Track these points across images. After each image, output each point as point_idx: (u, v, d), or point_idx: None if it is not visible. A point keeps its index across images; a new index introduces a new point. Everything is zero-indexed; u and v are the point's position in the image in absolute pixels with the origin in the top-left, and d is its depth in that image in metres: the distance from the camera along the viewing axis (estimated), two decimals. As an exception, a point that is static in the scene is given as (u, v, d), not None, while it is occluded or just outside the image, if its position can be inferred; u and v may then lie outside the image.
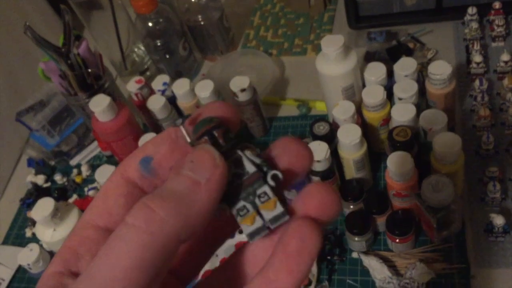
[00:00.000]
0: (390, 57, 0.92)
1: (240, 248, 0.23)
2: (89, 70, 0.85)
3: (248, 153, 0.22)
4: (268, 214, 0.22)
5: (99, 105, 0.77)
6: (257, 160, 0.22)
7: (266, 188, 0.22)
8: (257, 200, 0.22)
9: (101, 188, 0.24)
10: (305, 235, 0.20)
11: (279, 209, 0.22)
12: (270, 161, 0.23)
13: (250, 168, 0.22)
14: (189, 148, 0.23)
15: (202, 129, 0.22)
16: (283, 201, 0.22)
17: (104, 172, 0.78)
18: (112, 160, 0.91)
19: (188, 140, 0.23)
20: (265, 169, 0.22)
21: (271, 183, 0.22)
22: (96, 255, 0.19)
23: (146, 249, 0.19)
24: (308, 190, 0.22)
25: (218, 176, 0.21)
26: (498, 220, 0.67)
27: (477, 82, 0.81)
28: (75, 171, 0.97)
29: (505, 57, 0.83)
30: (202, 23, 1.02)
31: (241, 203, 0.22)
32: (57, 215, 0.68)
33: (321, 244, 0.21)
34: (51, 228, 0.69)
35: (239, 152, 0.22)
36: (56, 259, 0.22)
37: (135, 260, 0.18)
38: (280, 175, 0.22)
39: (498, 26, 0.89)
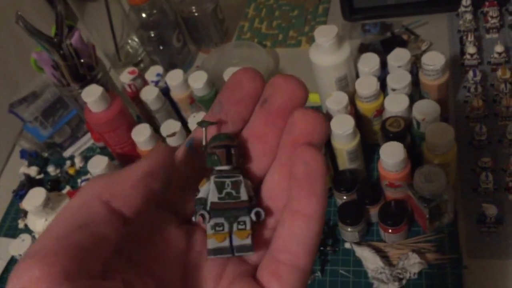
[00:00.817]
0: (384, 48, 0.92)
1: (258, 191, 0.26)
2: (82, 61, 0.85)
3: (248, 182, 0.25)
4: (237, 241, 0.24)
5: (92, 95, 0.76)
6: (251, 193, 0.25)
7: (247, 219, 0.24)
8: (235, 225, 0.24)
9: None
10: (307, 158, 0.22)
11: (249, 241, 0.24)
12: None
13: (243, 195, 0.24)
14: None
15: (222, 141, 0.24)
16: (253, 237, 0.24)
17: (96, 163, 0.78)
18: (105, 152, 0.90)
19: (204, 143, 0.25)
20: (253, 202, 0.24)
21: (253, 217, 0.24)
22: None
23: (71, 204, 0.22)
24: (292, 120, 0.23)
25: (155, 153, 0.24)
26: (491, 211, 0.67)
27: (470, 73, 0.81)
28: (68, 162, 0.96)
29: (499, 48, 0.83)
30: (196, 14, 1.02)
31: (221, 220, 0.24)
32: (48, 205, 0.67)
33: (323, 160, 0.23)
34: (42, 218, 0.68)
35: (241, 177, 0.24)
36: None
37: (61, 214, 0.22)
38: (263, 215, 0.24)
39: (492, 17, 0.89)
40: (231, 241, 0.24)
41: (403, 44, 0.93)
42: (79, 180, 0.93)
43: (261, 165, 0.25)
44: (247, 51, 1.03)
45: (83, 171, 0.94)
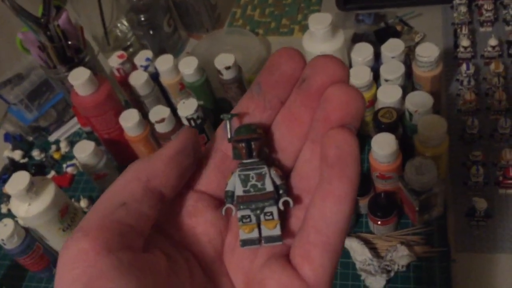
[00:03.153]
0: (377, 39, 0.91)
1: (289, 174, 0.26)
2: (69, 43, 0.83)
3: (273, 172, 0.25)
4: (266, 232, 0.24)
5: (79, 78, 0.75)
6: (278, 181, 0.25)
7: (274, 209, 0.24)
8: (262, 216, 0.24)
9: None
10: (339, 142, 0.22)
11: (277, 232, 0.24)
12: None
13: (269, 185, 0.24)
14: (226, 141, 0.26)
15: (242, 135, 0.24)
16: (283, 226, 0.24)
17: (83, 148, 0.76)
18: (92, 137, 0.89)
19: (229, 136, 0.25)
20: (281, 191, 0.24)
21: (281, 207, 0.24)
22: None
23: (114, 185, 0.25)
24: (326, 96, 0.23)
25: (183, 133, 0.26)
26: (481, 204, 0.67)
27: (463, 67, 0.81)
28: (53, 147, 0.94)
29: (492, 42, 0.83)
30: (188, -1, 1.00)
31: (247, 212, 0.24)
32: (32, 190, 0.66)
33: (357, 143, 0.22)
34: (26, 203, 0.67)
35: (266, 168, 0.25)
36: None
37: (105, 194, 0.24)
38: (291, 203, 0.24)
39: (486, 11, 0.88)
40: (260, 232, 0.24)
41: (397, 35, 0.92)
42: (64, 165, 0.91)
43: (295, 147, 0.25)
44: (239, 38, 1.02)
45: (68, 156, 0.93)
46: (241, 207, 0.24)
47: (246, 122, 0.26)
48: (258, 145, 0.24)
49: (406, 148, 0.70)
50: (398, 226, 0.71)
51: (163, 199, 0.25)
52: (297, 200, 0.25)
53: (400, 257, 0.67)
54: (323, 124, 0.23)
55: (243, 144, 0.24)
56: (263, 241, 0.24)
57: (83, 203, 0.84)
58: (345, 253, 0.70)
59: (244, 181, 0.25)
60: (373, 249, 0.69)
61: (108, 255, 0.21)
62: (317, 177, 0.23)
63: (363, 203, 0.71)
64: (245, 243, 0.24)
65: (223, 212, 0.25)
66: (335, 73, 0.23)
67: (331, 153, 0.22)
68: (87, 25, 1.00)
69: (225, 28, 1.07)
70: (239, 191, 0.25)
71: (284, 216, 0.25)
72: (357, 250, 0.69)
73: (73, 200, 0.85)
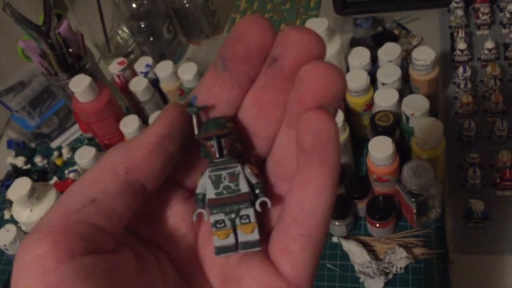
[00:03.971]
0: (375, 43, 0.92)
1: (266, 160, 0.23)
2: (70, 50, 0.84)
3: (247, 171, 0.22)
4: (243, 237, 0.22)
5: (80, 85, 0.76)
6: (253, 180, 0.22)
7: (250, 211, 0.22)
8: (237, 220, 0.22)
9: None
10: (316, 127, 0.19)
11: (255, 236, 0.22)
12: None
13: (243, 186, 0.22)
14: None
15: (211, 131, 0.21)
16: (261, 230, 0.22)
17: (84, 154, 0.77)
18: (93, 143, 0.90)
19: (196, 132, 0.22)
20: (257, 191, 0.22)
21: (258, 209, 0.22)
22: None
23: (84, 177, 0.22)
24: (300, 76, 0.20)
25: (164, 113, 0.22)
26: (478, 206, 0.67)
27: (460, 69, 0.81)
28: (55, 153, 0.95)
29: (489, 45, 0.83)
30: (187, 5, 1.01)
31: (221, 216, 0.22)
32: (34, 195, 0.67)
33: (336, 127, 0.19)
34: (27, 209, 0.67)
35: (239, 167, 0.22)
36: None
37: (72, 188, 0.21)
38: (269, 203, 0.22)
39: (483, 14, 0.89)
40: (236, 237, 0.22)
41: (394, 39, 0.92)
42: (66, 171, 0.92)
43: (270, 132, 0.22)
44: (238, 44, 1.02)
45: (70, 162, 0.94)
46: (214, 211, 0.22)
47: (213, 113, 0.22)
48: (229, 141, 0.22)
49: (403, 151, 0.71)
50: (396, 228, 0.72)
51: (143, 194, 0.22)
52: (275, 199, 0.22)
53: (399, 259, 0.67)
54: (298, 106, 0.20)
55: (212, 142, 0.22)
56: (239, 248, 0.22)
57: (84, 209, 0.85)
58: (344, 256, 0.71)
59: (216, 182, 0.22)
60: (371, 251, 0.70)
61: (70, 261, 0.19)
62: (294, 164, 0.21)
63: (362, 206, 0.71)
64: (220, 250, 0.22)
65: (194, 218, 0.22)
66: (309, 49, 0.20)
67: (307, 140, 0.19)
68: (88, 32, 1.01)
69: (224, 33, 1.08)
70: (210, 193, 0.22)
71: (261, 218, 0.22)
72: (356, 253, 0.69)
73: (75, 205, 0.85)
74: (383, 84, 0.74)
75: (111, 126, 0.80)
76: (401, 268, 0.67)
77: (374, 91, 0.75)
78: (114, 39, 1.07)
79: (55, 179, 0.92)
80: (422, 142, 0.67)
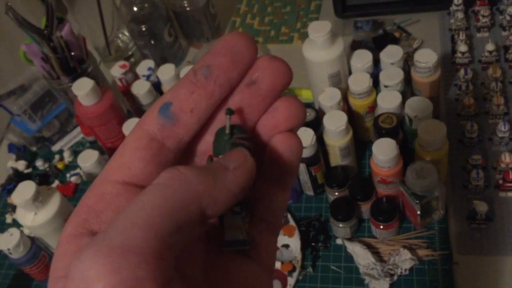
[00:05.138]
0: (376, 46, 0.92)
1: None
2: (72, 53, 0.84)
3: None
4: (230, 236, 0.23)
5: (83, 88, 0.76)
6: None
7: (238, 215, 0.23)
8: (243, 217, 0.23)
9: (121, 143, 0.23)
10: (292, 145, 0.24)
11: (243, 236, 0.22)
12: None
13: None
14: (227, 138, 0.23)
15: (242, 136, 0.23)
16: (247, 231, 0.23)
17: (87, 157, 0.77)
18: (95, 146, 0.89)
19: (227, 131, 0.23)
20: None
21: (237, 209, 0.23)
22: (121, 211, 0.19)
23: (167, 200, 0.19)
24: (276, 105, 0.24)
25: (246, 167, 0.21)
26: (481, 207, 0.68)
27: (462, 72, 0.82)
28: (57, 157, 0.95)
29: (490, 47, 0.84)
30: (188, 9, 1.01)
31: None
32: (38, 199, 0.66)
33: (301, 146, 0.25)
34: (32, 212, 0.67)
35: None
36: (72, 219, 0.22)
37: (157, 209, 0.18)
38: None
39: (483, 16, 0.89)
40: (246, 232, 0.23)
41: (395, 41, 0.93)
42: (68, 175, 0.91)
43: None
44: (239, 47, 1.02)
45: (72, 166, 0.93)
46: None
47: (190, 118, 0.23)
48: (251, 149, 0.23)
49: (407, 153, 0.71)
50: (400, 230, 0.72)
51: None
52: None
53: (403, 260, 0.67)
54: (271, 129, 0.24)
55: (249, 142, 0.23)
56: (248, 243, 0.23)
57: (87, 212, 0.85)
58: (348, 258, 0.71)
59: None
60: (376, 253, 0.70)
61: None
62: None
63: (365, 208, 0.72)
64: (228, 245, 0.22)
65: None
66: (282, 76, 0.23)
67: (286, 154, 0.24)
68: (89, 35, 1.01)
69: (225, 37, 1.08)
70: None
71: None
72: (360, 255, 0.69)
73: (77, 209, 0.85)
74: (386, 86, 0.75)
75: (114, 129, 0.79)
76: (405, 270, 0.67)
77: (377, 94, 0.75)
78: (115, 42, 1.07)
79: (56, 182, 0.91)
80: (425, 144, 0.68)
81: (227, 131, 0.23)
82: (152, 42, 1.00)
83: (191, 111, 0.22)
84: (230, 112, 0.22)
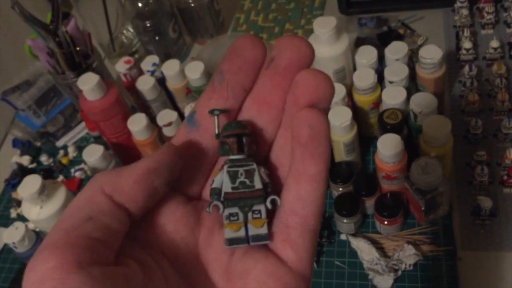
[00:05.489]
0: (380, 42, 0.92)
1: (265, 160, 0.25)
2: (78, 49, 0.84)
3: (262, 170, 0.24)
4: (253, 230, 0.23)
5: (88, 83, 0.76)
6: (266, 179, 0.24)
7: (262, 207, 0.24)
8: (250, 214, 0.23)
9: None
10: (311, 122, 0.22)
11: (265, 230, 0.23)
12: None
13: (257, 183, 0.24)
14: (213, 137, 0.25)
15: (233, 130, 0.24)
16: (270, 225, 0.24)
17: (92, 152, 0.77)
18: (100, 141, 0.90)
19: (216, 131, 0.24)
20: (269, 190, 0.24)
21: (269, 205, 0.24)
22: None
23: (78, 199, 0.23)
24: (296, 80, 0.23)
25: (159, 151, 0.24)
26: (486, 203, 0.68)
27: (466, 68, 0.82)
28: (61, 152, 0.95)
29: (494, 44, 0.84)
30: (192, 5, 1.01)
31: (235, 209, 0.24)
32: (44, 193, 0.67)
33: (328, 123, 0.22)
34: (37, 206, 0.67)
35: (255, 165, 0.24)
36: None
37: (69, 208, 0.23)
38: (279, 202, 0.24)
39: (487, 13, 0.89)
40: (247, 230, 0.23)
41: (399, 38, 0.93)
42: (72, 170, 0.92)
43: (268, 132, 0.25)
44: (243, 43, 1.03)
45: (76, 161, 0.94)
46: (229, 204, 0.24)
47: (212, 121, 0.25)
48: (248, 140, 0.24)
49: (411, 149, 0.71)
50: (405, 225, 0.72)
51: (130, 216, 0.23)
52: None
53: (407, 256, 0.67)
54: (293, 108, 0.23)
55: (234, 139, 0.24)
56: (250, 240, 0.23)
57: (91, 207, 0.85)
58: (353, 253, 0.71)
59: (233, 177, 0.24)
60: (380, 248, 0.70)
61: (78, 272, 0.20)
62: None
63: (370, 203, 0.72)
64: (231, 242, 0.23)
65: (210, 210, 0.24)
66: (300, 50, 0.23)
67: (303, 133, 0.22)
68: (93, 31, 1.01)
69: (229, 33, 1.08)
70: (227, 187, 0.24)
71: (271, 215, 0.24)
72: (365, 250, 0.69)
73: (81, 204, 0.86)
74: (391, 82, 0.75)
75: (119, 124, 0.80)
76: (410, 265, 0.67)
77: (382, 90, 0.75)
78: (119, 38, 1.07)
79: (61, 178, 0.92)
80: (430, 140, 0.68)
81: (216, 131, 0.24)
82: (157, 38, 1.00)
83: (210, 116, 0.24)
84: (212, 112, 0.24)
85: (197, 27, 1.05)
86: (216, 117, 0.24)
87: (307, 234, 0.23)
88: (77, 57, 0.83)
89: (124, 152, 0.85)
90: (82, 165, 0.91)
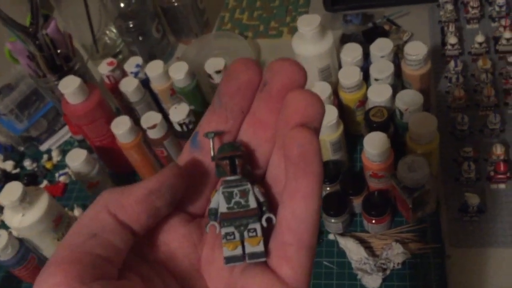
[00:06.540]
0: (366, 39, 0.92)
1: (262, 178, 0.26)
2: (58, 51, 0.82)
3: (256, 189, 0.25)
4: (249, 248, 0.24)
5: (69, 86, 0.74)
6: (261, 198, 0.25)
7: (257, 226, 0.25)
8: (245, 233, 0.25)
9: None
10: (301, 141, 0.22)
11: (261, 248, 0.24)
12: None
13: (252, 202, 0.25)
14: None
15: (226, 152, 0.25)
16: (266, 243, 0.25)
17: (75, 156, 0.76)
18: (84, 145, 0.88)
19: (212, 154, 0.25)
20: (264, 208, 0.25)
21: (264, 224, 0.25)
22: None
23: (83, 216, 0.25)
24: (286, 101, 0.23)
25: (160, 174, 0.25)
26: (473, 200, 0.67)
27: (452, 64, 0.81)
28: (45, 156, 0.94)
29: (479, 38, 0.84)
30: (176, 4, 1.00)
31: (231, 229, 0.25)
32: (25, 200, 0.65)
33: (318, 141, 0.23)
34: (19, 213, 0.66)
35: (249, 185, 0.25)
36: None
37: (74, 226, 0.24)
38: (274, 220, 0.24)
39: (472, 8, 0.89)
40: (243, 248, 0.24)
41: (385, 34, 0.92)
42: (56, 174, 0.90)
43: (264, 152, 0.26)
44: (228, 42, 1.02)
45: (60, 165, 0.92)
46: (225, 224, 0.25)
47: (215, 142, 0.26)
48: (241, 162, 0.25)
49: (398, 146, 0.71)
50: (392, 224, 0.72)
51: (133, 234, 0.24)
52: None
53: (395, 255, 0.67)
54: (284, 127, 0.23)
55: (227, 161, 0.25)
56: (247, 258, 0.24)
57: (76, 212, 0.84)
58: (341, 253, 0.70)
59: (228, 198, 0.25)
60: (368, 248, 0.70)
61: (81, 287, 0.21)
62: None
63: (357, 202, 0.71)
64: (229, 260, 0.24)
65: (207, 230, 0.25)
66: (292, 74, 0.24)
67: (294, 152, 0.22)
68: (76, 33, 0.99)
69: (214, 32, 1.07)
70: (223, 208, 0.25)
71: (267, 233, 0.25)
72: (353, 250, 0.69)
73: (66, 209, 0.84)
74: (376, 79, 0.74)
75: (102, 127, 0.78)
76: (398, 264, 0.67)
77: (367, 87, 0.75)
78: (102, 39, 1.06)
79: (45, 182, 0.90)
80: (416, 137, 0.67)
81: (212, 153, 0.25)
82: (140, 38, 0.99)
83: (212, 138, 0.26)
84: (207, 135, 0.25)
85: (181, 26, 1.04)
86: (211, 139, 0.25)
87: (303, 250, 0.23)
88: (58, 59, 0.82)
89: (108, 155, 0.84)
90: (67, 169, 0.90)
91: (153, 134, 0.77)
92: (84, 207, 0.85)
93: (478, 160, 0.73)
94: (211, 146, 0.25)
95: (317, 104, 0.23)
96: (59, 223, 0.70)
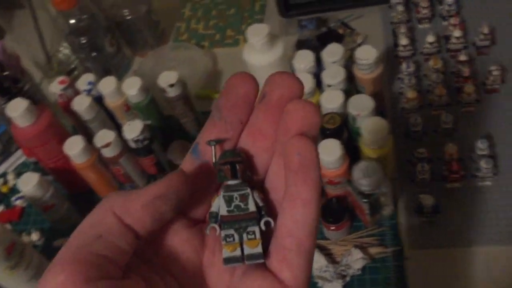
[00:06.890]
0: (321, 44, 0.91)
1: (261, 185, 0.27)
2: (6, 73, 0.80)
3: (256, 194, 0.26)
4: (248, 250, 0.25)
5: (16, 109, 0.73)
6: (260, 203, 0.26)
7: (256, 229, 0.25)
8: (244, 235, 0.25)
9: None
10: (301, 149, 0.24)
11: (259, 250, 0.25)
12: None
13: (251, 206, 0.26)
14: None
15: (227, 158, 0.26)
16: (264, 246, 0.25)
17: (27, 181, 0.74)
18: (39, 167, 0.86)
19: (213, 160, 0.26)
20: (263, 212, 0.26)
21: (263, 227, 0.25)
22: None
23: (89, 217, 0.25)
24: (286, 111, 0.25)
25: (164, 179, 0.25)
26: (427, 201, 0.68)
27: (404, 65, 0.82)
28: (1, 180, 0.91)
29: (430, 38, 0.84)
30: (129, 17, 0.98)
31: (231, 231, 0.26)
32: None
33: (316, 149, 0.24)
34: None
35: (249, 190, 0.26)
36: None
37: (80, 227, 0.25)
38: (272, 224, 0.25)
39: (423, 8, 0.90)
40: (242, 250, 0.25)
41: (339, 38, 0.93)
42: (13, 198, 0.88)
43: (263, 160, 0.27)
44: (185, 53, 1.01)
45: (17, 189, 0.90)
46: (225, 226, 0.26)
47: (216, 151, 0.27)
48: (242, 167, 0.26)
49: (353, 152, 0.71)
50: (352, 229, 0.71)
51: (138, 238, 0.25)
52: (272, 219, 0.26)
53: (355, 260, 0.67)
54: (284, 136, 0.25)
55: (228, 166, 0.26)
56: (245, 259, 0.25)
57: (34, 236, 0.82)
58: (301, 262, 0.70)
59: (228, 201, 0.26)
60: (328, 255, 0.70)
61: (86, 286, 0.22)
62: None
63: (315, 210, 0.71)
64: (228, 261, 0.25)
65: (208, 232, 0.26)
66: (290, 86, 0.25)
67: (294, 160, 0.24)
68: (28, 52, 0.97)
69: (170, 43, 1.06)
70: (223, 211, 0.26)
71: (265, 236, 0.26)
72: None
73: (23, 233, 0.82)
74: (329, 85, 0.74)
75: (55, 149, 0.77)
76: (358, 269, 0.67)
77: (320, 94, 0.75)
78: (56, 56, 1.04)
79: (1, 207, 0.88)
80: (369, 142, 0.67)
81: (213, 160, 0.26)
82: (93, 54, 0.97)
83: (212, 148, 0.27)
84: (209, 143, 0.26)
85: (136, 39, 1.03)
86: (213, 147, 0.26)
87: (303, 254, 0.24)
88: (6, 82, 0.80)
89: (64, 176, 0.82)
90: (23, 193, 0.87)
91: (107, 153, 0.76)
92: (42, 230, 0.83)
93: (434, 160, 0.73)
94: (213, 153, 0.26)
95: (315, 113, 0.24)
96: (11, 250, 0.68)
